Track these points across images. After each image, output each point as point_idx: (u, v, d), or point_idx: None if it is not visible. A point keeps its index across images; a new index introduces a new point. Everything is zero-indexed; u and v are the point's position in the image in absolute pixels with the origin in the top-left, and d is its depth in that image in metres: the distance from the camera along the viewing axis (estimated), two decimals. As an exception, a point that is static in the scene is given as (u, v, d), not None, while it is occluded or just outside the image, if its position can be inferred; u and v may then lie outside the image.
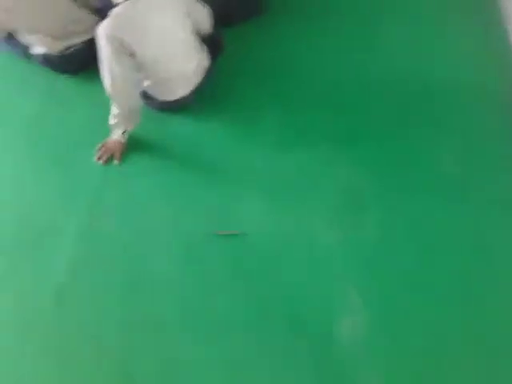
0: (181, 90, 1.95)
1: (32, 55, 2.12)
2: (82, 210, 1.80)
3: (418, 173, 1.83)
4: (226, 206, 1.79)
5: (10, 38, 2.10)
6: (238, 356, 1.48)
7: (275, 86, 2.15)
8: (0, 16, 1.95)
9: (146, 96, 1.98)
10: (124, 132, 1.89)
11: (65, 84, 2.20)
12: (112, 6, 1.71)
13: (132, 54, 1.72)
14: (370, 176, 1.84)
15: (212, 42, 2.03)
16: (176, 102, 1.98)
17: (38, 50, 2.08)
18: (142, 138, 1.99)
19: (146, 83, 1.93)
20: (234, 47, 2.19)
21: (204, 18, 1.92)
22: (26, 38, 2.07)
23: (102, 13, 1.90)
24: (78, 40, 2.07)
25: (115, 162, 1.90)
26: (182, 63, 1.89)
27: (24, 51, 2.13)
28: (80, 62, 2.14)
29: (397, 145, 1.91)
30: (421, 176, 1.82)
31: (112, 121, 1.86)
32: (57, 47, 2.06)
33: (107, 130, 1.91)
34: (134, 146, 1.95)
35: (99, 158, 1.89)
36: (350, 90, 2.10)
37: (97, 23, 1.71)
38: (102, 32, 1.65)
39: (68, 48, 2.07)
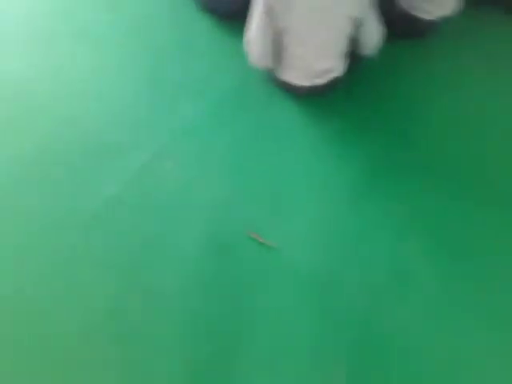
0: (296, 76, 1.88)
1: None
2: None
3: None
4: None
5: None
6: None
7: (393, 124, 1.96)
8: None
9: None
10: None
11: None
12: None
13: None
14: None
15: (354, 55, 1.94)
16: (289, 85, 1.93)
17: None
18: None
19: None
20: (377, 64, 2.05)
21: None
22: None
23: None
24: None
25: None
26: (315, 55, 1.79)
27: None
28: (226, 9, 2.13)
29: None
30: None
31: None
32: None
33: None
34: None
35: None
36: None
37: None
38: None
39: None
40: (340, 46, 1.79)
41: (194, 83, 2.04)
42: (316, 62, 1.80)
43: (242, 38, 1.98)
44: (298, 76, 1.87)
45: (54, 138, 1.87)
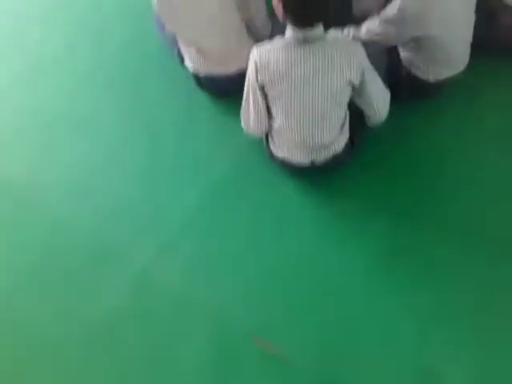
0: (297, 154, 1.77)
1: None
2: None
3: None
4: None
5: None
6: None
7: (403, 202, 1.83)
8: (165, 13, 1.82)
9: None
10: None
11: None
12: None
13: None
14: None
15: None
16: (287, 163, 1.82)
17: (188, 64, 2.01)
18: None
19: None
20: (386, 127, 1.87)
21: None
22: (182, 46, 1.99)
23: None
24: (230, 69, 1.94)
25: None
26: (310, 127, 1.67)
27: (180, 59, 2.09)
28: (224, 88, 2.07)
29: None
30: None
31: None
32: (204, 69, 1.97)
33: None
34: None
35: None
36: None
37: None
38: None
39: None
40: (339, 117, 1.69)
41: (191, 166, 2.00)
42: (311, 136, 1.69)
43: (237, 113, 1.90)
44: (294, 153, 1.77)
45: (53, 244, 1.87)
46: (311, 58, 1.54)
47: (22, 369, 1.63)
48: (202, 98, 2.15)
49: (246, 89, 1.71)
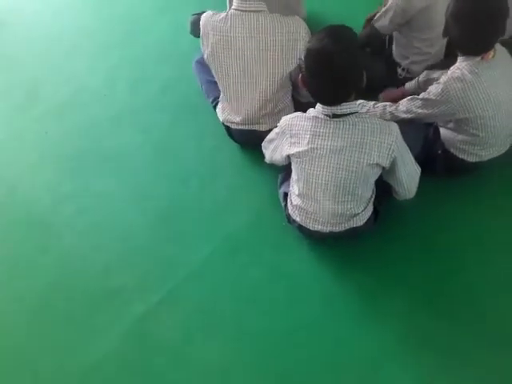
0: (316, 223, 1.69)
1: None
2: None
3: None
4: None
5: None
6: None
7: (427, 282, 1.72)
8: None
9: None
10: None
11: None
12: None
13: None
14: None
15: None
16: (304, 228, 1.74)
17: (219, 114, 2.02)
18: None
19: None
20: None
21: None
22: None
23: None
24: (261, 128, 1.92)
25: None
26: (331, 197, 1.61)
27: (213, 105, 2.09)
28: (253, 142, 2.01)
29: None
30: None
31: None
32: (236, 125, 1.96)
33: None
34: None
35: None
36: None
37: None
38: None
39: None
40: (363, 194, 1.61)
41: (208, 217, 1.96)
42: (331, 209, 1.62)
43: (262, 166, 1.90)
44: (312, 221, 1.69)
45: (57, 284, 1.85)
46: (340, 134, 1.49)
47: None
48: (230, 145, 2.13)
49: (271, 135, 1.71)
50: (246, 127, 1.94)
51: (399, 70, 2.11)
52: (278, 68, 1.78)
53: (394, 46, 2.13)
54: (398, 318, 1.66)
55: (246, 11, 1.72)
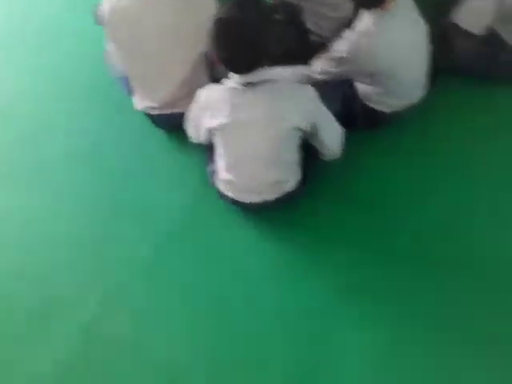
0: (248, 194, 1.71)
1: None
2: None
3: None
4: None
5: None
6: None
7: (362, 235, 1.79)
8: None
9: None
10: None
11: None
12: None
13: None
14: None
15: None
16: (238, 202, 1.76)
17: (137, 103, 1.97)
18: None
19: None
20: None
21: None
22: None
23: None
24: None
25: None
26: (257, 166, 1.63)
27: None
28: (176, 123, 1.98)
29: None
30: None
31: None
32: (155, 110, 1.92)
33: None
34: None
35: None
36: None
37: None
38: None
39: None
40: (287, 161, 1.63)
41: (144, 211, 1.93)
42: (260, 174, 1.64)
43: (193, 148, 1.88)
44: (242, 194, 1.71)
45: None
46: (258, 103, 1.48)
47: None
48: (156, 132, 2.10)
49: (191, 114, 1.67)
50: (166, 111, 1.90)
51: (312, 36, 2.12)
52: (192, 49, 1.75)
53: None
54: (336, 271, 1.73)
55: None
